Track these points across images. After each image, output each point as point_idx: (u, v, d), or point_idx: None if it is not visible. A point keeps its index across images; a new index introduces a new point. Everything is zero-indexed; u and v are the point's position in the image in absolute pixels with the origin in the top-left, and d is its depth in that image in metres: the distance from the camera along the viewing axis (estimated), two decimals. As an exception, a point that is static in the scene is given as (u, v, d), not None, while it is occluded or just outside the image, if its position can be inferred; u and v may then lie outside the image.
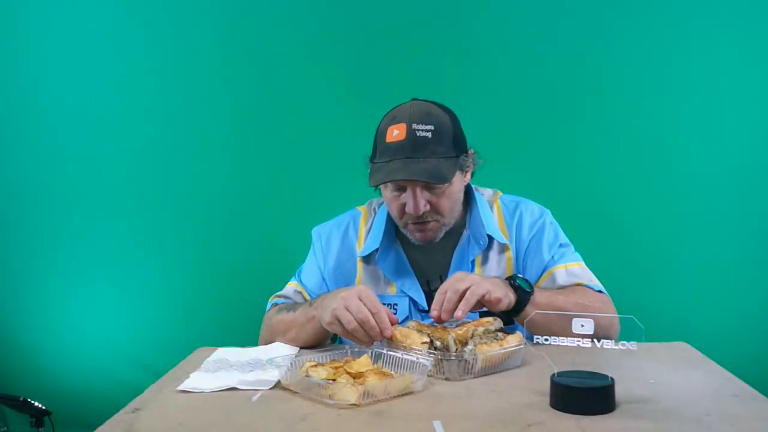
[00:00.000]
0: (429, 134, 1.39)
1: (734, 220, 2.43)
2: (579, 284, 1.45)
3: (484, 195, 1.60)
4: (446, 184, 1.41)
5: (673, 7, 2.42)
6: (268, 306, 1.57)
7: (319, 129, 2.52)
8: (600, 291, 1.46)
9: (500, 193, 1.62)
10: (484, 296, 1.24)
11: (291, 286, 1.59)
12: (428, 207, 1.42)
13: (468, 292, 1.23)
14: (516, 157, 2.38)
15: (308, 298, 1.54)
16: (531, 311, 1.29)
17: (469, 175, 1.53)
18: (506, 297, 1.28)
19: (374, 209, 1.63)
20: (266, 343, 1.45)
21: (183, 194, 2.57)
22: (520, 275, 1.36)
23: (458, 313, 1.23)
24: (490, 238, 1.51)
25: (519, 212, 1.56)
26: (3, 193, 2.61)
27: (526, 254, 1.52)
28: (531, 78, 2.49)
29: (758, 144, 2.42)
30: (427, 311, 1.48)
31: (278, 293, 1.60)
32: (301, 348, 1.39)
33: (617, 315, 1.36)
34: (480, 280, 1.27)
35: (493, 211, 1.57)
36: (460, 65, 2.49)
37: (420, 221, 1.44)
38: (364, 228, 1.60)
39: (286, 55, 2.55)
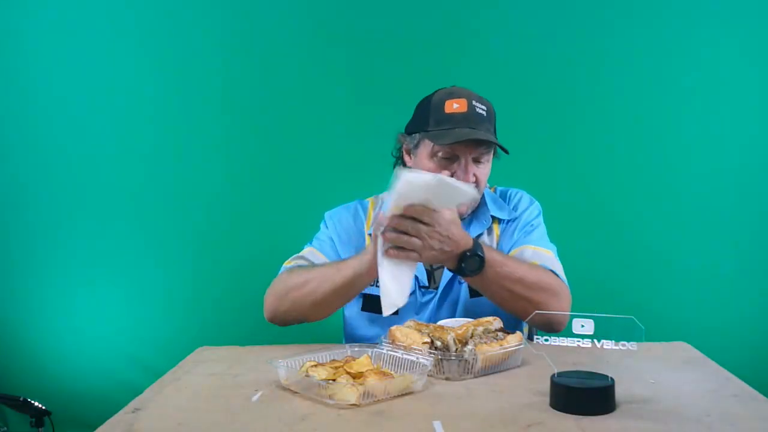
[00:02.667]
0: (484, 113, 1.52)
1: (734, 220, 2.43)
2: (533, 263, 1.49)
3: (487, 186, 1.68)
4: (487, 162, 1.55)
5: (673, 8, 2.42)
6: (282, 269, 1.58)
7: (320, 129, 2.52)
8: (558, 277, 1.48)
9: (495, 187, 1.73)
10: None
11: (309, 251, 1.61)
12: (475, 178, 1.51)
13: (416, 245, 1.27)
14: (516, 157, 2.36)
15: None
16: (485, 276, 1.35)
17: None
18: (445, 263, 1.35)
19: (382, 200, 1.66)
20: (273, 304, 1.50)
21: (183, 194, 2.57)
22: (482, 250, 1.36)
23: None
24: (495, 220, 1.61)
25: (509, 196, 1.68)
26: (3, 193, 2.60)
27: (503, 232, 1.60)
28: (531, 78, 2.49)
29: (758, 144, 2.42)
30: (428, 287, 1.57)
31: (295, 255, 1.61)
32: (313, 309, 1.45)
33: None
34: (432, 251, 1.29)
35: (498, 199, 1.67)
36: (459, 65, 2.49)
37: None
38: (372, 214, 1.65)
39: (286, 56, 2.55)
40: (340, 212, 1.68)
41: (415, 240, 1.27)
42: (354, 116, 2.48)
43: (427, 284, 1.57)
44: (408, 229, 1.26)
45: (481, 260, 1.34)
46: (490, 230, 1.61)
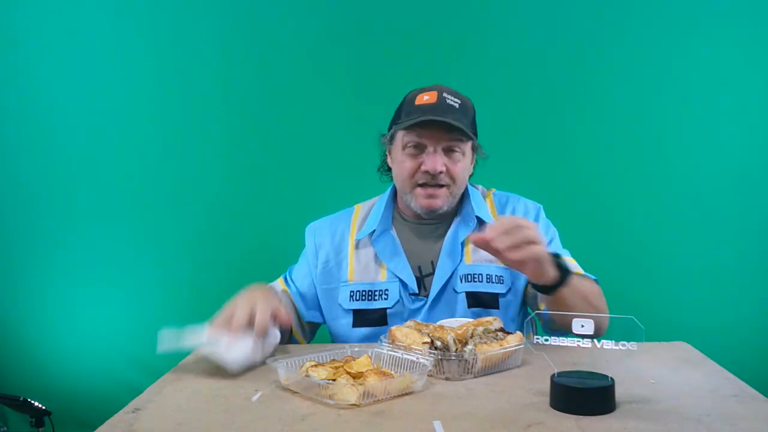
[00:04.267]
0: (456, 105, 1.49)
1: (734, 220, 2.43)
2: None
3: (477, 189, 1.65)
4: (462, 155, 1.50)
5: (673, 7, 2.42)
6: None
7: (318, 129, 2.53)
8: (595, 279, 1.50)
9: (493, 190, 1.67)
10: (538, 245, 1.19)
11: (280, 285, 1.63)
12: (444, 169, 1.48)
13: (529, 231, 1.18)
14: (516, 157, 2.38)
15: (291, 299, 1.61)
16: (565, 292, 1.28)
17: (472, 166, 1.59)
18: (551, 269, 1.26)
19: (371, 204, 1.67)
20: None
21: (183, 194, 2.57)
22: (560, 256, 1.33)
23: (500, 241, 1.18)
24: (480, 222, 1.56)
25: (512, 203, 1.62)
26: (4, 193, 2.61)
27: None
28: (531, 77, 2.49)
29: (758, 144, 2.42)
30: (418, 294, 1.53)
31: (271, 284, 1.64)
32: None
33: (609, 315, 1.35)
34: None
35: (485, 202, 1.62)
36: (460, 64, 2.49)
37: (433, 184, 1.49)
38: (357, 220, 1.64)
39: (285, 56, 2.55)
40: (322, 226, 1.66)
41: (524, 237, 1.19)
42: (354, 116, 2.48)
43: (416, 291, 1.53)
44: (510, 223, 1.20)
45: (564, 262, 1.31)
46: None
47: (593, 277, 1.50)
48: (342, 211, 1.69)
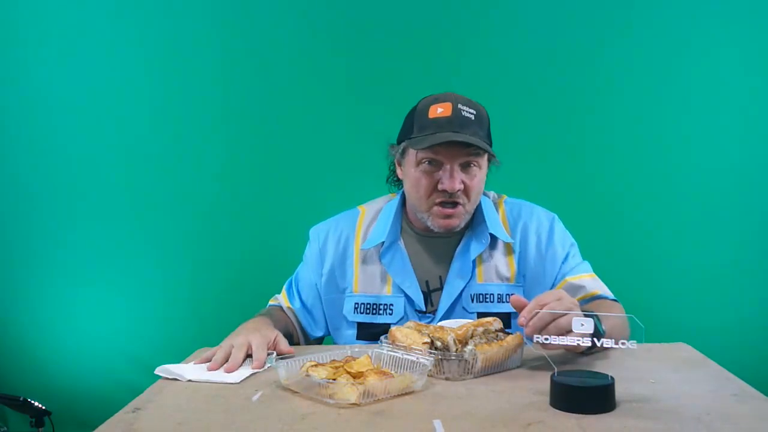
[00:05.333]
0: (472, 117, 1.43)
1: (734, 220, 2.43)
2: (594, 294, 1.48)
3: (488, 196, 1.61)
4: (479, 168, 1.45)
5: (674, 8, 2.42)
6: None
7: (319, 130, 2.53)
8: (615, 300, 1.49)
9: (505, 197, 1.62)
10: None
11: (284, 302, 1.61)
12: (462, 186, 1.43)
13: (563, 319, 1.10)
14: (516, 157, 2.37)
15: (296, 316, 1.59)
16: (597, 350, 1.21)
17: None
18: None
19: (378, 209, 1.62)
20: None
21: (183, 194, 2.57)
22: (595, 314, 1.18)
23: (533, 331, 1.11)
24: (493, 237, 1.52)
25: (524, 216, 1.56)
26: (3, 193, 2.61)
27: (537, 261, 1.52)
28: (533, 79, 2.49)
29: (758, 144, 2.43)
30: (425, 311, 1.50)
31: (275, 296, 1.63)
32: None
33: (608, 314, 1.34)
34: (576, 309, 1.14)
35: (497, 213, 1.57)
36: (460, 66, 2.50)
37: (450, 202, 1.44)
38: (362, 226, 1.59)
39: (286, 56, 2.55)
40: (327, 230, 1.61)
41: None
42: (354, 117, 2.48)
43: (423, 308, 1.50)
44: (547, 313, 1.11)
45: (599, 319, 1.17)
46: (503, 259, 1.52)
47: (613, 297, 1.48)
48: (346, 213, 1.63)
